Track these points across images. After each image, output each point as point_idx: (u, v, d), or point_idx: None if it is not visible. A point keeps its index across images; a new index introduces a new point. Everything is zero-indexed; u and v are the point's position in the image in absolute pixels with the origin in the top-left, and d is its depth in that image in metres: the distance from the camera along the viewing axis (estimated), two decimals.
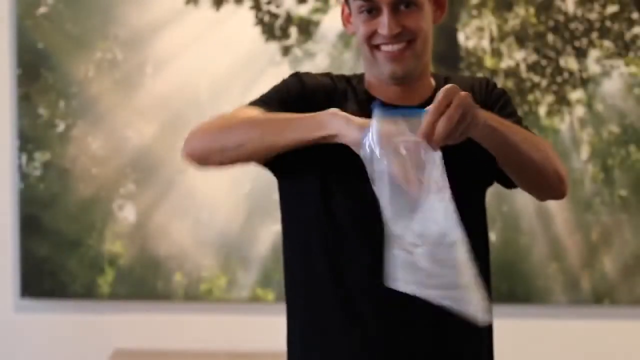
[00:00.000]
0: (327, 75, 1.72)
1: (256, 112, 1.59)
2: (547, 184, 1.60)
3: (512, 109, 1.70)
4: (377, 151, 1.37)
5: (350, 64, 3.06)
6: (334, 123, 1.47)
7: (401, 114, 1.39)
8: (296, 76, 1.68)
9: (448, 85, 1.40)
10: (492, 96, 1.70)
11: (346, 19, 1.71)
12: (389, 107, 1.43)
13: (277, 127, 1.53)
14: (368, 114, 1.41)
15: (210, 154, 1.57)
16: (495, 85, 1.74)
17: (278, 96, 1.63)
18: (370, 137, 1.38)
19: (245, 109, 1.61)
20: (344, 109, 1.55)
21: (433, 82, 1.71)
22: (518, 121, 1.66)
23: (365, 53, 1.65)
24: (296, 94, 1.63)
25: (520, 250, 3.07)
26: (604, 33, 3.07)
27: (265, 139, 1.53)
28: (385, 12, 1.60)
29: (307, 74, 1.70)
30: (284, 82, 1.68)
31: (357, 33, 1.67)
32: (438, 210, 1.35)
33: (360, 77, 1.72)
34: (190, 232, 3.15)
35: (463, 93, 1.39)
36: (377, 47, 1.63)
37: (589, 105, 3.08)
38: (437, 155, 1.37)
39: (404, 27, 1.60)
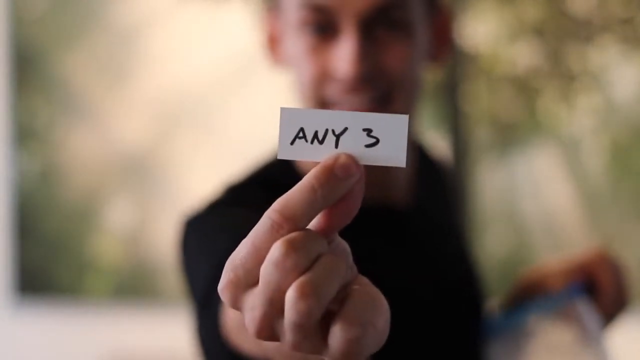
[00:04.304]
0: (241, 209, 0.96)
1: None
2: None
3: None
4: None
5: None
6: None
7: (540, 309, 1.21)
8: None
9: (606, 260, 1.19)
10: None
11: (271, 40, 1.01)
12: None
13: None
14: None
15: None
16: None
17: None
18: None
19: None
20: None
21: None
22: None
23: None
24: None
25: (523, 250, 3.05)
26: (612, 30, 3.05)
27: None
28: (349, 35, 0.89)
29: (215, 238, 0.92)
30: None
31: (294, 68, 0.96)
32: None
33: (286, 168, 1.00)
34: None
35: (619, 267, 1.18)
36: (329, 102, 0.93)
37: (596, 104, 3.06)
38: None
39: (379, 65, 0.92)
